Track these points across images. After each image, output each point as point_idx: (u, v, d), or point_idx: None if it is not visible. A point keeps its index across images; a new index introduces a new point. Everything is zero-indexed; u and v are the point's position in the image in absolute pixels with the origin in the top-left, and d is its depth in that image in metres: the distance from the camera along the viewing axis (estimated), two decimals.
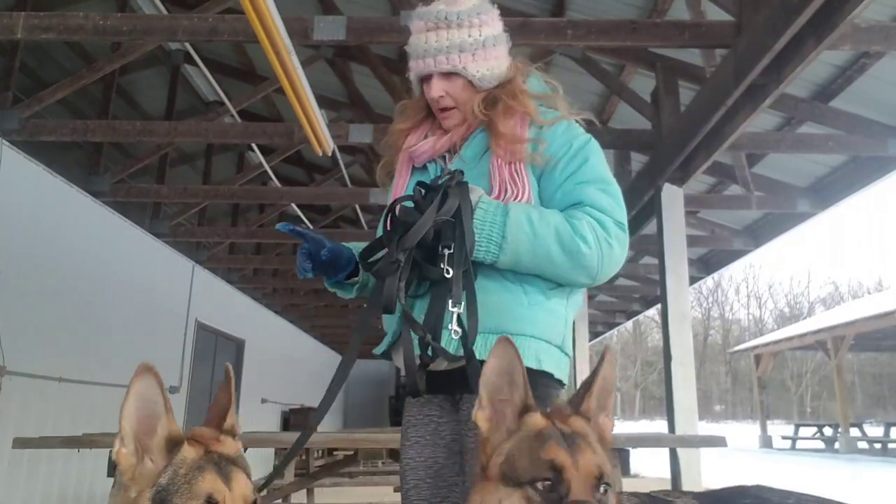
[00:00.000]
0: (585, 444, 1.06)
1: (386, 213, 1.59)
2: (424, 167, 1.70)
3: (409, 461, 1.56)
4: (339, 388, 1.45)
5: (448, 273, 1.42)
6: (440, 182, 1.48)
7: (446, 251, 1.43)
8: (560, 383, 1.56)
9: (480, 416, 1.14)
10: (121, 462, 1.06)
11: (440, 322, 1.42)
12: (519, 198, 1.52)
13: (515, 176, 1.54)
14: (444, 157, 1.69)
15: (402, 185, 1.70)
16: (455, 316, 1.39)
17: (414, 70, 1.67)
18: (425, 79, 1.66)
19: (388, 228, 1.52)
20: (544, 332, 1.52)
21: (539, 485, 1.01)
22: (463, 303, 1.42)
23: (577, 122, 1.65)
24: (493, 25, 1.65)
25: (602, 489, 1.02)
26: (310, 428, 1.50)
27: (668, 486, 4.98)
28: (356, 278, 1.66)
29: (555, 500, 1.00)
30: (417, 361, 1.46)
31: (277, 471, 1.58)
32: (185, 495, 0.99)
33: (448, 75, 1.62)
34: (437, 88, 1.63)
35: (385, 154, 1.85)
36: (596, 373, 1.17)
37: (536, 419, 1.11)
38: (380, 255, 1.56)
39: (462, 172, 1.52)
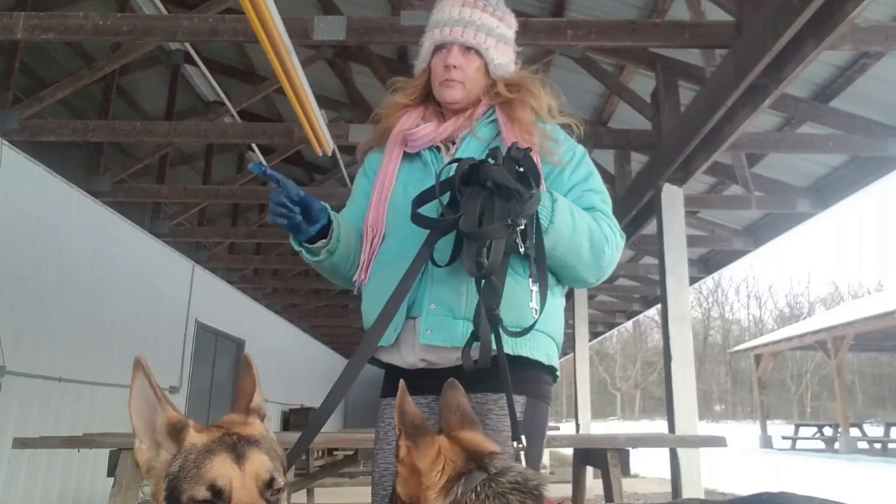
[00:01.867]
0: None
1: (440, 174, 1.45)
2: (417, 154, 1.65)
3: (390, 466, 1.49)
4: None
5: (522, 248, 1.39)
6: (521, 155, 1.42)
7: (517, 227, 1.38)
8: (555, 378, 1.58)
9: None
10: (138, 458, 1.04)
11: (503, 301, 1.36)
12: None
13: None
14: (437, 147, 1.66)
15: (392, 170, 1.64)
16: (534, 294, 1.38)
17: (433, 38, 1.66)
18: (442, 49, 1.65)
19: (458, 188, 1.41)
20: (551, 328, 1.54)
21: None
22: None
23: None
24: (511, 29, 1.72)
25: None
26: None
27: (668, 487, 4.98)
28: (323, 241, 1.52)
29: None
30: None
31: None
32: (192, 481, 0.96)
33: (468, 52, 1.63)
34: (455, 57, 1.63)
35: (375, 123, 1.79)
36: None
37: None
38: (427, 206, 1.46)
39: (530, 149, 1.46)
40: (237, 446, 1.00)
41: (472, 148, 1.62)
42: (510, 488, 1.07)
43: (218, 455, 0.98)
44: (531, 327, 1.38)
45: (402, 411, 1.14)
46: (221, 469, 0.96)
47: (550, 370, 1.54)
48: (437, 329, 1.46)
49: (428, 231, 1.43)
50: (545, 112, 1.64)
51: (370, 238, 1.60)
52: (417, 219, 1.43)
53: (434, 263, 1.46)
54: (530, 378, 1.48)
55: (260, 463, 0.99)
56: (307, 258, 1.57)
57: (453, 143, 1.66)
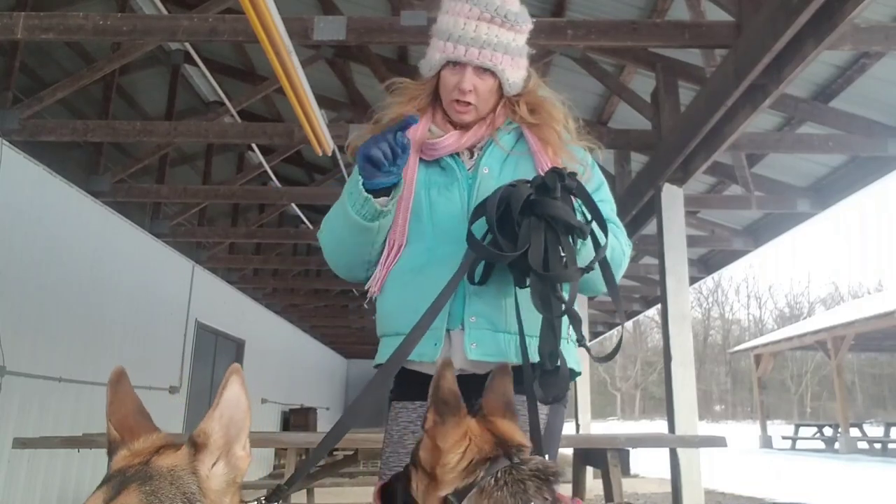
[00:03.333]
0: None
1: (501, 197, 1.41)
2: (436, 161, 1.61)
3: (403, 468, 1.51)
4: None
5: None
6: (576, 185, 1.40)
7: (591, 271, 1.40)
8: (571, 378, 1.60)
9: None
10: None
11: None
12: None
13: None
14: (457, 154, 1.62)
15: (411, 179, 1.58)
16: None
17: (445, 52, 1.57)
18: (455, 65, 1.58)
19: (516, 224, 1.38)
20: (574, 335, 1.54)
21: None
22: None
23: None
24: (525, 35, 1.64)
25: None
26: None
27: (668, 487, 4.98)
28: (385, 198, 1.48)
29: None
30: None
31: (295, 479, 1.34)
32: None
33: (483, 72, 1.57)
34: (470, 81, 1.56)
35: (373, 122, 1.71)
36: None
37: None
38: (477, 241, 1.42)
39: (576, 174, 1.44)
40: (123, 481, 0.91)
41: (494, 156, 1.60)
42: (529, 475, 1.10)
43: (101, 487, 0.92)
44: (615, 352, 1.53)
45: (437, 385, 1.15)
46: (93, 502, 0.90)
47: (575, 375, 1.56)
48: (482, 343, 1.46)
49: (463, 244, 1.42)
50: (566, 133, 1.63)
51: (388, 250, 1.56)
52: (476, 247, 1.39)
53: (470, 281, 1.45)
54: None
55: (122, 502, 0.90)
56: (365, 209, 1.49)
57: (470, 150, 1.63)
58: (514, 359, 1.43)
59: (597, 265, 1.41)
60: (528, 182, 1.39)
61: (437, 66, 1.61)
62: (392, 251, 1.56)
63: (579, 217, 1.41)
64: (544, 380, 1.36)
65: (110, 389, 1.03)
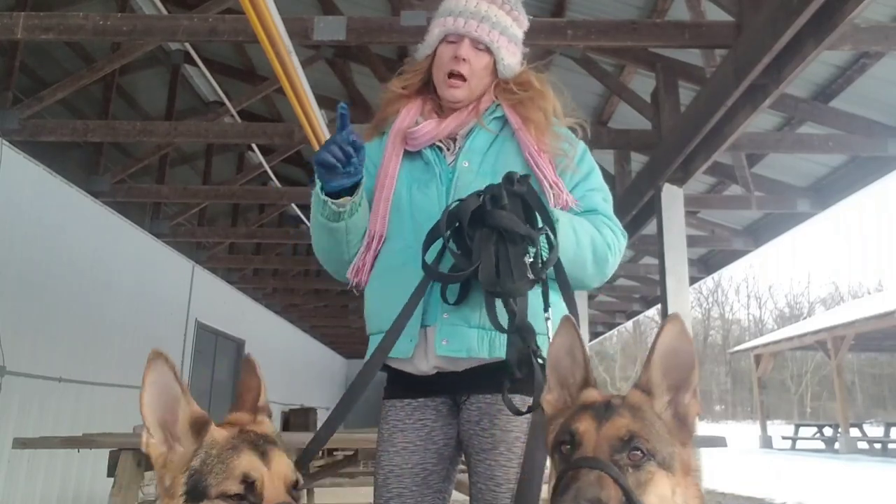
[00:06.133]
0: (615, 414, 1.05)
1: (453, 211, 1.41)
2: (418, 152, 1.61)
3: (395, 468, 1.49)
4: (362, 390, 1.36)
5: (531, 275, 1.38)
6: (525, 190, 1.39)
7: (527, 259, 1.38)
8: None
9: (549, 398, 1.14)
10: (150, 452, 1.03)
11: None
12: (563, 201, 1.52)
13: (557, 177, 1.53)
14: (439, 147, 1.62)
15: (393, 170, 1.60)
16: (549, 323, 1.37)
17: (444, 26, 1.60)
18: (452, 39, 1.60)
19: (465, 233, 1.38)
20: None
21: (561, 448, 1.02)
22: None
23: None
24: (522, 29, 1.68)
25: (629, 452, 0.99)
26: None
27: None
28: (348, 197, 1.48)
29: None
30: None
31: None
32: (219, 475, 0.96)
33: (479, 48, 1.59)
34: (466, 49, 1.58)
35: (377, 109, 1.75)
36: (654, 343, 1.14)
37: (588, 394, 1.14)
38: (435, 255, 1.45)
39: (528, 177, 1.44)
40: (258, 444, 1.00)
41: (479, 141, 1.59)
42: None
43: (244, 451, 0.98)
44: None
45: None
46: (252, 464, 0.97)
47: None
48: (453, 339, 1.45)
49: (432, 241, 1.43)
50: (553, 113, 1.62)
51: (368, 240, 1.57)
52: (430, 272, 1.41)
53: (445, 301, 1.45)
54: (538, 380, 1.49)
55: (285, 463, 1.00)
56: (326, 211, 1.50)
57: (454, 141, 1.63)
58: (486, 355, 1.43)
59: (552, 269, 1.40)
60: (479, 194, 1.39)
61: (435, 42, 1.63)
62: (372, 242, 1.57)
63: (540, 223, 1.40)
64: (515, 390, 1.33)
65: (178, 373, 1.05)
